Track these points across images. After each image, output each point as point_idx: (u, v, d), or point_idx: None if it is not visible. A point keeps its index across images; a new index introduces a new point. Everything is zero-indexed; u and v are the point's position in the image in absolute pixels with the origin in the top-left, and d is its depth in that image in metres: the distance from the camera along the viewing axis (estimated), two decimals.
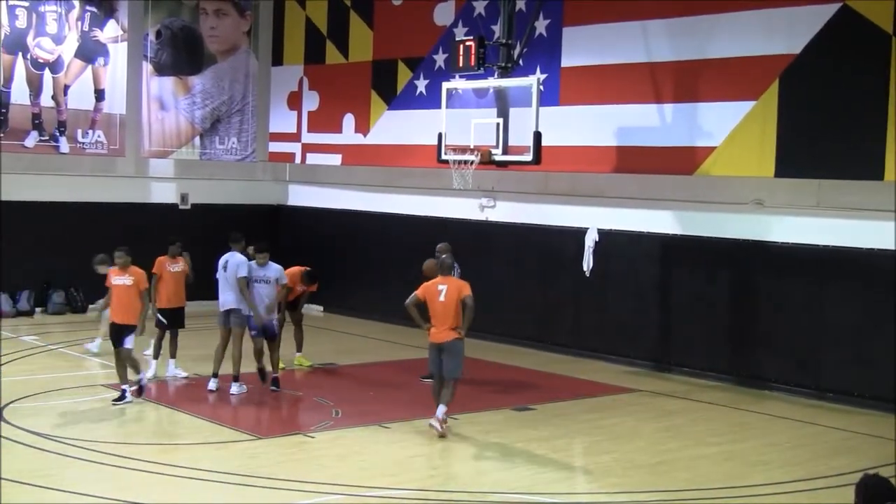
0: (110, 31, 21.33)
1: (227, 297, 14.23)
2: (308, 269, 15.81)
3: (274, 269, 14.40)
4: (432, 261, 13.93)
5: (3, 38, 19.99)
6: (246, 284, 14.09)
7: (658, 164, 16.60)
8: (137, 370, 13.51)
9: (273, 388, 14.36)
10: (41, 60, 20.55)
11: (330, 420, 12.89)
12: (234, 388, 14.15)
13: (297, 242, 22.41)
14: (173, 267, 15.06)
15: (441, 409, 12.31)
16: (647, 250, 17.01)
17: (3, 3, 19.99)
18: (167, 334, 15.01)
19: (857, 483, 5.86)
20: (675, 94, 16.41)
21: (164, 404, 13.73)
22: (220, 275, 14.29)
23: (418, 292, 12.63)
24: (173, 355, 15.09)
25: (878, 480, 5.77)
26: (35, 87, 20.50)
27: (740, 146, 15.56)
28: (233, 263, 14.24)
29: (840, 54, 14.59)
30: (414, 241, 20.52)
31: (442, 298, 12.37)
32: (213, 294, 14.53)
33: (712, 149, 15.89)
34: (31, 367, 15.59)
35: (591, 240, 17.24)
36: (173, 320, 15.00)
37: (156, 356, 14.93)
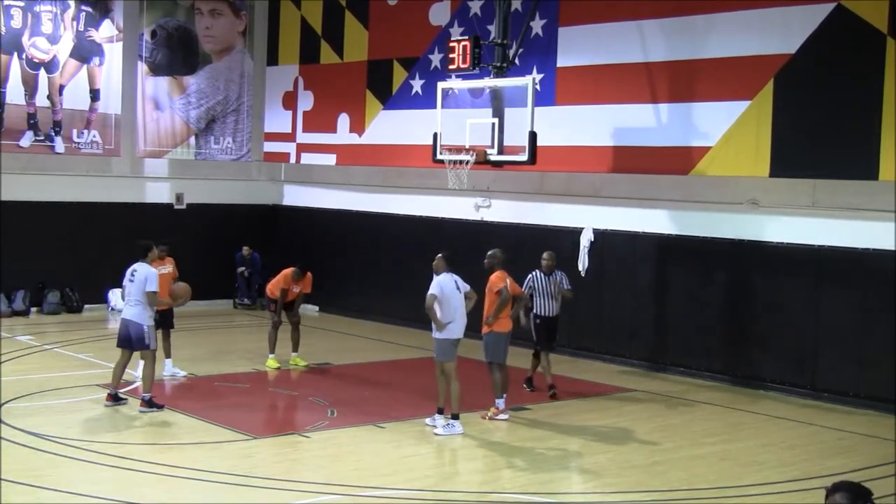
0: (105, 30, 21.31)
1: (462, 323, 12.63)
2: (294, 266, 15.87)
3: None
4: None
5: None
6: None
7: (654, 164, 16.61)
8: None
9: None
10: (36, 60, 20.52)
11: (325, 420, 12.87)
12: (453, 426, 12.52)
13: (292, 242, 22.40)
14: (161, 269, 15.00)
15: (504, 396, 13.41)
16: (642, 250, 17.01)
17: None
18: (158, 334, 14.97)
19: (826, 490, 5.44)
20: (670, 94, 16.42)
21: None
22: (452, 294, 12.46)
23: (509, 287, 13.25)
24: (169, 355, 15.09)
25: (848, 485, 5.41)
26: (30, 87, 20.47)
27: (736, 146, 15.57)
28: (462, 281, 12.71)
29: (835, 54, 14.61)
30: (409, 241, 20.53)
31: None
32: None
33: (708, 149, 15.90)
34: (26, 366, 15.55)
35: (586, 240, 17.29)
36: (162, 321, 14.95)
37: None
